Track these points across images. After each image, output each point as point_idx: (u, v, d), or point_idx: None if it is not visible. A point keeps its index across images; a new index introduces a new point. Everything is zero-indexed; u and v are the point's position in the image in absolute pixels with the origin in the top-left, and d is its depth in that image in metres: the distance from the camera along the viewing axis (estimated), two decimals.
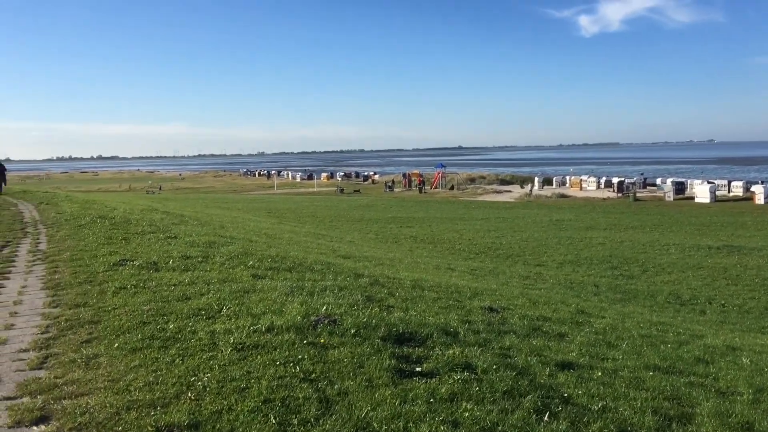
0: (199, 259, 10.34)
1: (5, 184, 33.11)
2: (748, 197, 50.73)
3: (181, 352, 5.43)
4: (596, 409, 4.68)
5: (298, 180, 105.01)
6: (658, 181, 65.05)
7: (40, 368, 5.33)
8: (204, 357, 5.26)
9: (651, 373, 5.99)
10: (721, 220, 37.05)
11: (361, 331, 6.06)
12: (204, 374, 4.87)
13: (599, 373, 5.72)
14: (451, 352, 5.70)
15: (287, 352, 5.33)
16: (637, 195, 55.91)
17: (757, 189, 49.90)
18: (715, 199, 50.99)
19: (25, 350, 5.86)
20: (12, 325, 6.78)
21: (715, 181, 57.50)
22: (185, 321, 6.38)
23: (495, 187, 72.83)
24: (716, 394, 5.58)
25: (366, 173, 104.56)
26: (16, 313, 7.28)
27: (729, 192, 54.41)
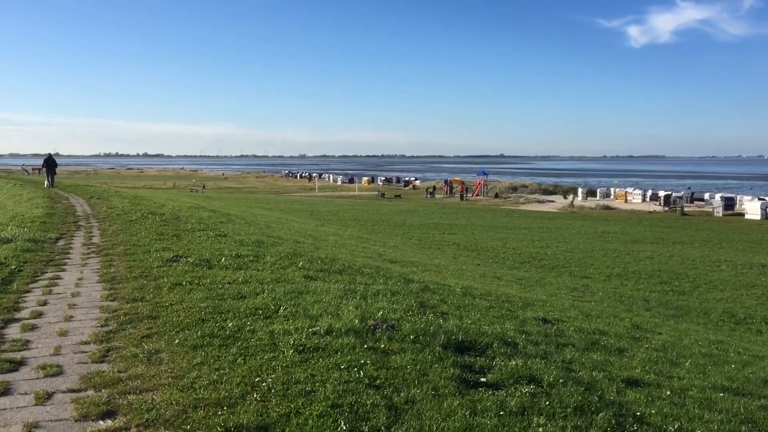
0: (251, 258, 10.36)
1: (55, 177, 33.82)
2: None
3: (242, 351, 5.39)
4: (672, 430, 4.50)
5: (339, 183, 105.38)
6: (706, 195, 63.59)
7: (103, 361, 5.34)
8: (266, 357, 5.21)
9: (721, 394, 5.77)
10: None
11: (420, 337, 5.96)
12: (268, 375, 4.81)
13: (668, 392, 5.52)
14: (513, 363, 5.56)
15: (349, 356, 5.25)
16: (685, 209, 54.73)
17: None
18: (766, 216, 49.61)
19: (86, 342, 5.89)
20: (71, 317, 6.84)
21: (766, 198, 55.97)
22: (243, 320, 6.35)
23: (537, 196, 72.06)
24: None
25: (407, 178, 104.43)
26: (74, 305, 7.35)
27: None
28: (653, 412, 4.80)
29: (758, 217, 48.85)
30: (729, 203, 54.10)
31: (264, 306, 6.91)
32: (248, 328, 6.06)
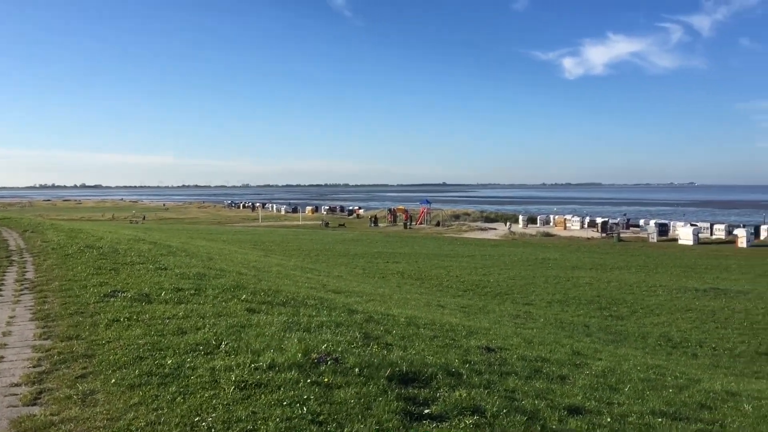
0: (192, 292, 10.17)
1: None
2: (731, 240, 51.21)
3: (181, 389, 5.26)
4: None
5: (283, 213, 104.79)
6: (641, 222, 65.60)
7: (34, 404, 5.14)
8: (206, 395, 5.10)
9: (659, 420, 5.90)
10: (705, 262, 37.26)
11: (365, 370, 5.93)
12: (208, 414, 4.70)
13: (608, 419, 5.61)
14: (457, 393, 5.57)
15: (292, 392, 5.17)
16: (621, 235, 56.27)
17: (740, 233, 50.45)
18: (698, 241, 51.43)
19: (17, 384, 5.66)
20: (2, 357, 6.57)
21: (698, 224, 58.06)
22: (183, 356, 6.21)
23: (480, 224, 73.05)
24: None
25: (351, 207, 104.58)
26: (5, 344, 7.07)
27: (711, 235, 54.94)
28: None
29: (691, 243, 50.60)
30: (663, 229, 55.90)
31: (205, 341, 6.77)
32: (188, 365, 5.92)
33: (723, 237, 53.63)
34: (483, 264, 32.44)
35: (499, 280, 25.51)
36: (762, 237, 51.23)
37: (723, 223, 58.39)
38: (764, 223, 59.30)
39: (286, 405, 4.88)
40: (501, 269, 29.95)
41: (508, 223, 68.50)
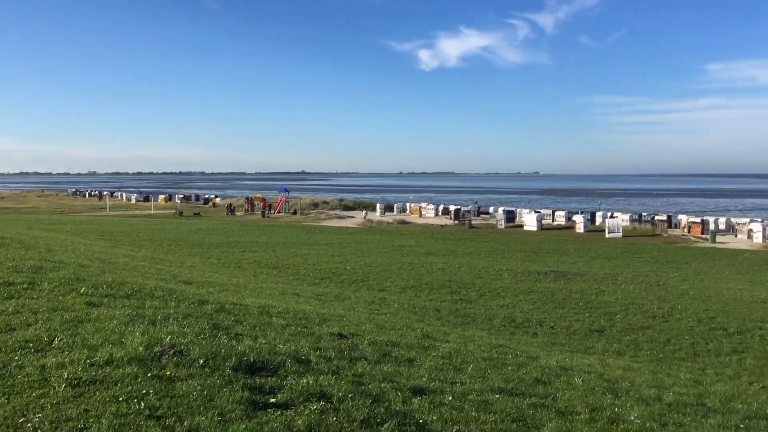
0: (24, 286, 9.46)
1: None
2: (570, 226, 54.99)
3: (6, 389, 4.87)
4: None
5: (134, 202, 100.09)
6: (491, 209, 68.78)
7: None
8: (34, 395, 4.76)
9: (497, 396, 6.21)
10: (547, 247, 39.70)
11: (210, 361, 5.79)
12: (35, 414, 4.40)
13: (450, 397, 5.83)
14: (305, 381, 5.58)
15: (129, 387, 4.95)
16: (473, 222, 58.72)
17: (578, 219, 54.32)
18: (541, 227, 54.70)
19: None
20: None
21: (541, 211, 61.74)
22: (10, 355, 5.76)
23: (338, 212, 73.54)
24: (557, 414, 5.87)
25: (207, 196, 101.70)
26: None
27: (553, 221, 58.71)
28: (435, 418, 5.05)
29: (535, 228, 53.73)
30: (510, 216, 58.98)
31: (36, 338, 6.32)
32: (15, 363, 5.50)
33: (563, 223, 57.46)
34: (340, 252, 32.70)
35: (356, 267, 25.81)
36: (597, 222, 55.29)
37: (564, 210, 62.62)
38: (599, 210, 64.09)
39: (122, 401, 4.67)
40: (358, 257, 30.32)
41: (365, 212, 69.42)
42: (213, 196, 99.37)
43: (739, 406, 7.81)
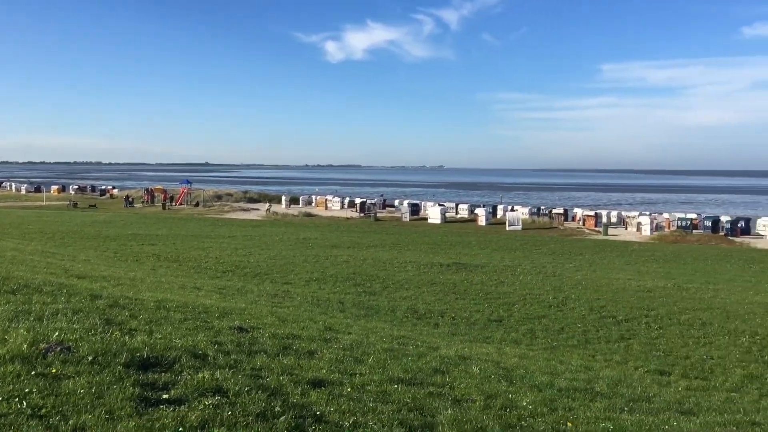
0: None
1: None
2: (473, 219, 56.31)
3: None
4: (347, 425, 4.77)
5: (24, 192, 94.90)
6: (396, 202, 69.46)
7: None
8: None
9: (396, 386, 6.28)
10: (450, 239, 40.51)
11: (100, 358, 5.57)
12: None
13: (349, 389, 5.86)
14: (200, 375, 5.46)
15: (11, 386, 4.69)
16: (378, 215, 59.16)
17: (480, 212, 55.74)
18: (445, 220, 55.76)
19: None
20: None
21: (445, 204, 62.94)
22: None
23: (242, 204, 72.34)
24: (453, 402, 6.00)
25: (104, 187, 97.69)
26: None
27: (457, 214, 59.97)
28: (332, 409, 5.06)
29: (439, 221, 54.72)
30: (415, 209, 59.83)
31: None
32: None
33: (466, 216, 58.77)
34: (244, 245, 32.21)
35: (260, 260, 25.51)
36: (498, 216, 56.85)
37: (467, 204, 64.05)
38: (501, 203, 65.94)
39: (2, 401, 4.42)
40: (262, 249, 29.97)
41: (268, 204, 68.59)
42: (110, 188, 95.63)
43: (625, 390, 8.24)
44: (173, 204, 69.96)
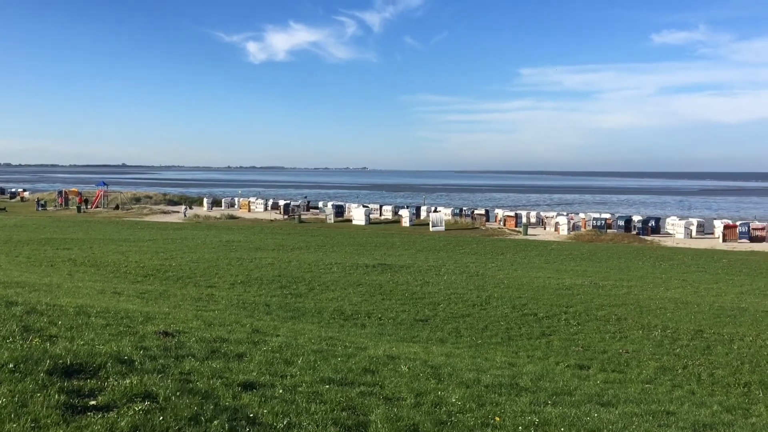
0: None
1: None
2: (397, 220, 56.81)
3: None
4: (281, 426, 4.79)
5: None
6: (320, 204, 69.30)
7: None
8: None
9: (327, 386, 6.32)
10: (375, 240, 40.72)
11: (21, 365, 5.39)
12: None
13: (281, 390, 5.86)
14: (128, 381, 5.36)
15: None
16: (302, 217, 58.87)
17: (404, 213, 56.29)
18: (369, 221, 56.01)
19: None
20: None
21: (369, 205, 63.25)
22: None
23: (162, 207, 70.58)
24: (384, 401, 6.09)
25: (14, 189, 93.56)
26: None
27: (381, 215, 60.38)
28: (265, 411, 5.06)
29: (363, 223, 54.93)
30: (339, 210, 59.86)
31: None
32: None
33: (390, 217, 59.26)
34: (165, 248, 31.48)
35: (182, 263, 24.99)
36: (422, 217, 57.53)
37: (391, 205, 64.56)
38: (424, 204, 66.77)
39: None
40: (184, 253, 29.36)
41: (184, 206, 66.86)
42: (21, 190, 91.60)
43: (548, 384, 8.54)
44: (89, 207, 67.62)
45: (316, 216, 62.09)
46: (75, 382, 5.21)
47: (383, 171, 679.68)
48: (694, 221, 50.77)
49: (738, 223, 48.53)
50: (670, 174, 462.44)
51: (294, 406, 5.34)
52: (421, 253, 34.09)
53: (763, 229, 47.07)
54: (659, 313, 17.38)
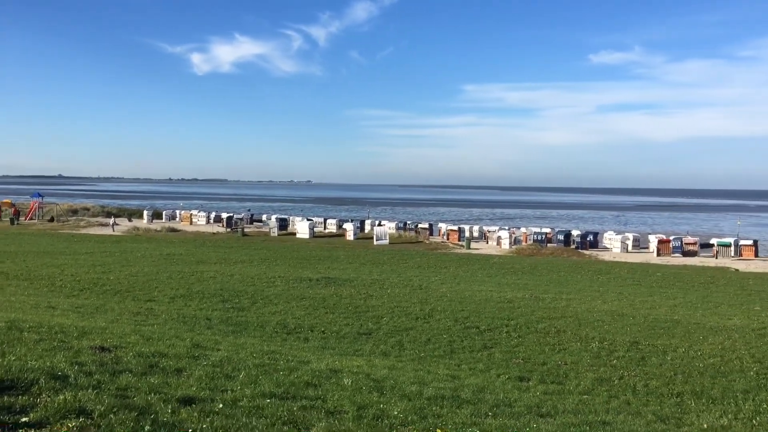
0: None
1: None
2: (341, 234, 56.78)
3: None
4: None
5: None
6: (264, 217, 68.68)
7: None
8: None
9: (268, 401, 6.27)
10: (319, 254, 40.56)
11: None
12: None
13: (221, 405, 5.79)
14: (61, 397, 5.21)
15: None
16: (245, 230, 58.23)
17: (348, 227, 56.30)
18: (313, 234, 55.78)
19: None
20: None
21: (313, 219, 63.00)
22: None
23: (100, 219, 68.78)
24: (326, 414, 6.08)
25: None
26: None
27: (325, 229, 60.24)
28: (205, 427, 4.99)
29: (307, 236, 54.67)
30: (283, 224, 59.44)
31: None
32: None
33: (334, 231, 59.19)
34: (103, 261, 30.70)
35: (120, 277, 24.42)
36: (366, 230, 57.62)
37: (335, 219, 64.43)
38: (368, 218, 66.88)
39: None
40: (123, 266, 28.69)
41: (112, 219, 64.48)
42: None
43: (489, 396, 8.65)
44: (23, 219, 65.43)
45: (260, 229, 61.52)
46: (6, 399, 5.04)
47: (328, 184, 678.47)
48: (630, 236, 52.29)
49: (671, 238, 50.24)
50: (608, 190, 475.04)
51: (234, 421, 5.27)
52: (365, 266, 34.11)
53: (695, 243, 48.84)
54: (597, 326, 17.80)
